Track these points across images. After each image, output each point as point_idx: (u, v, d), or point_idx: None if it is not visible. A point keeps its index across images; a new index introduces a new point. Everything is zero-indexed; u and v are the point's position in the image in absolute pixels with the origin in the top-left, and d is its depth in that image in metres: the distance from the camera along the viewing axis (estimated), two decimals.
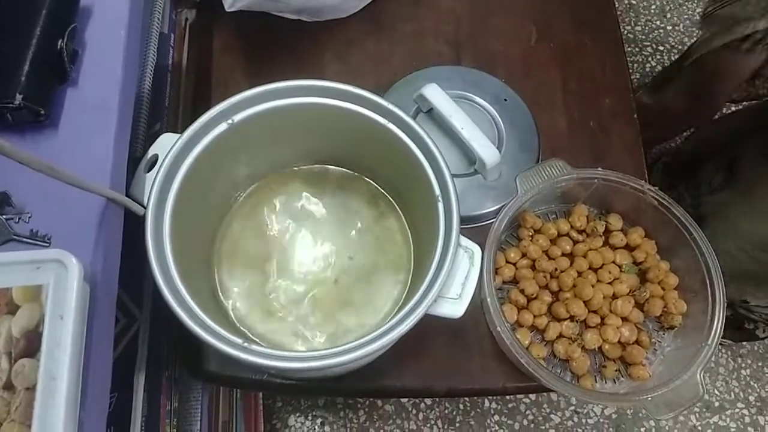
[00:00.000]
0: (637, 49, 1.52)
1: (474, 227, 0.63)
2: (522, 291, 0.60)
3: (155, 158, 0.47)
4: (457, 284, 0.45)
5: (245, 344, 0.40)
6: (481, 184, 0.63)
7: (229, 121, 0.48)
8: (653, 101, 1.13)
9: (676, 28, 1.54)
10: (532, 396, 1.14)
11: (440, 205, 0.46)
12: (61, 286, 0.33)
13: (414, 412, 1.14)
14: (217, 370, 0.57)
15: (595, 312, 0.60)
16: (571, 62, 0.74)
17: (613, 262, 0.62)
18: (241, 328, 0.52)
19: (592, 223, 0.64)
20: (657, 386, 0.53)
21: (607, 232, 0.64)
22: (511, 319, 0.59)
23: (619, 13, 1.53)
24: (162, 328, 0.56)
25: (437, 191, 0.46)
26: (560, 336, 0.59)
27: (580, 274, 0.61)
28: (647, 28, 1.54)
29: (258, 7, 0.63)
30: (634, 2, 1.57)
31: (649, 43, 1.53)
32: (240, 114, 0.48)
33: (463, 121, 0.61)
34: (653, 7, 1.57)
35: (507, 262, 0.62)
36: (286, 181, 0.58)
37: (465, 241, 0.46)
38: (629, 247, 0.64)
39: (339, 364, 0.40)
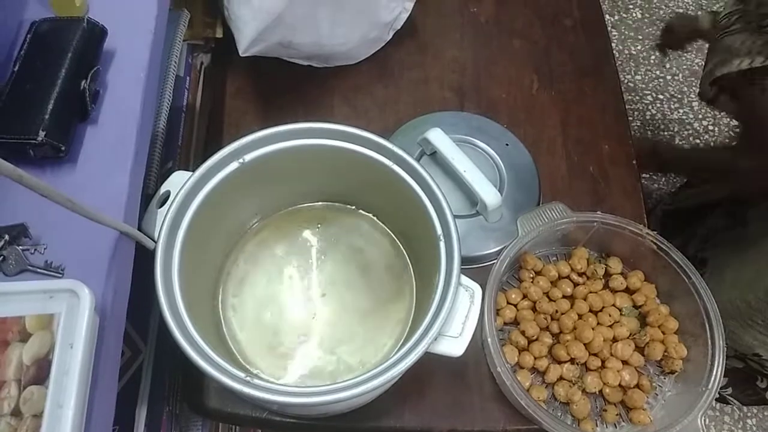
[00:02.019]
0: (637, 98, 1.56)
1: (475, 268, 0.64)
2: (523, 332, 0.60)
3: (167, 194, 0.48)
4: (458, 323, 0.45)
5: (248, 378, 0.41)
6: (483, 226, 0.65)
7: (240, 161, 0.50)
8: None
9: (676, 77, 1.58)
10: None
11: (442, 245, 0.47)
12: (73, 316, 0.34)
13: None
14: (218, 406, 0.57)
15: (595, 355, 0.60)
16: (571, 109, 0.76)
17: (614, 305, 0.63)
18: (244, 363, 0.52)
19: (593, 266, 0.64)
20: (658, 431, 0.53)
21: (607, 275, 0.65)
22: (511, 361, 0.59)
23: (619, 63, 1.58)
24: (165, 363, 0.57)
25: (439, 231, 0.48)
26: (561, 378, 0.59)
27: (580, 316, 0.62)
28: (647, 77, 1.58)
29: (271, 53, 0.66)
30: (634, 53, 1.62)
31: (649, 92, 1.56)
32: (250, 154, 0.50)
33: (465, 164, 0.63)
34: (653, 57, 1.61)
35: (508, 303, 0.63)
36: (293, 219, 0.59)
37: (466, 280, 0.47)
38: (629, 291, 0.64)
39: (340, 400, 0.40)
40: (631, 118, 1.51)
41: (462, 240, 0.47)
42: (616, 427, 0.59)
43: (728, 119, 1.53)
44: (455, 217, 0.47)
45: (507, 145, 0.70)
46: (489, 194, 0.62)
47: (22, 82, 0.42)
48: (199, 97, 0.73)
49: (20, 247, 0.39)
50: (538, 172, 0.69)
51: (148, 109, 0.47)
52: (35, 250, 0.39)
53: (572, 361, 0.59)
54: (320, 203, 0.60)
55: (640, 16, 1.69)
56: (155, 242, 0.44)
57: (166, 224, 0.45)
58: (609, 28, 1.73)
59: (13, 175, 0.29)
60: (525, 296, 0.63)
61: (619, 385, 0.59)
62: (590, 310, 0.62)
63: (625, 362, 0.60)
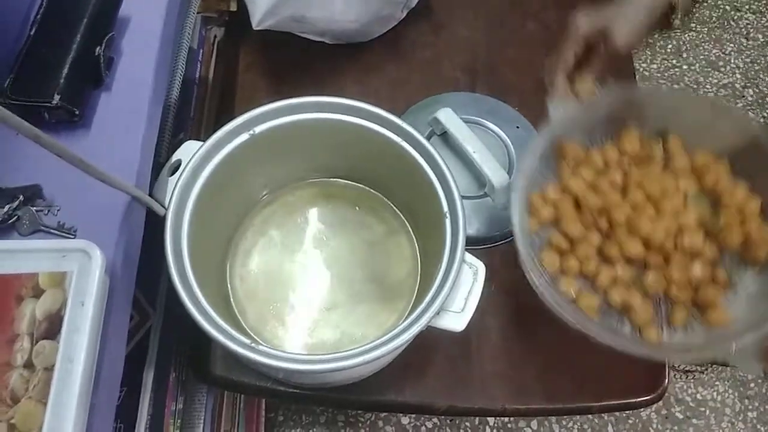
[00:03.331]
0: (653, 87, 1.54)
1: (481, 249, 0.64)
2: (564, 234, 0.51)
3: (178, 163, 0.49)
4: (461, 298, 0.46)
5: (252, 344, 0.42)
6: (491, 207, 0.65)
7: (251, 132, 0.50)
8: None
9: (692, 67, 1.56)
10: (534, 425, 1.13)
11: (447, 222, 0.47)
12: (84, 275, 0.35)
13: None
14: (223, 373, 0.59)
15: (657, 251, 0.50)
16: None
17: (677, 190, 0.52)
18: (249, 332, 0.53)
19: (648, 146, 0.53)
20: (744, 330, 0.44)
21: (667, 157, 0.54)
22: (551, 267, 0.50)
23: (635, 51, 1.56)
24: (172, 330, 0.58)
25: (445, 208, 0.48)
26: (615, 282, 0.50)
27: (635, 208, 0.51)
28: (663, 66, 1.56)
29: (283, 27, 0.66)
30: (650, 41, 1.60)
31: (664, 81, 1.55)
32: (261, 126, 0.50)
33: (475, 145, 0.63)
34: (669, 46, 1.59)
35: (544, 202, 0.52)
36: (301, 193, 0.60)
37: (470, 258, 0.48)
38: (696, 172, 0.53)
39: (343, 368, 0.41)
40: None
41: (468, 220, 0.47)
42: (686, 331, 0.49)
43: (744, 111, 1.51)
44: (462, 197, 0.48)
45: (518, 127, 0.70)
46: (497, 175, 0.62)
47: (38, 46, 0.43)
48: (211, 71, 0.74)
49: (34, 208, 0.40)
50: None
51: (161, 77, 0.48)
52: (48, 211, 0.40)
53: (628, 260, 0.50)
54: (328, 179, 0.60)
55: None
56: (165, 209, 0.45)
57: (176, 192, 0.46)
58: None
59: (30, 134, 0.29)
60: (565, 192, 0.53)
61: (689, 283, 0.49)
62: (648, 199, 0.52)
63: (695, 255, 0.50)
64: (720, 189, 0.52)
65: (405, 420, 1.13)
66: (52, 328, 0.34)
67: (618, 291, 0.49)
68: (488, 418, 1.12)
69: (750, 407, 1.22)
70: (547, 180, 0.54)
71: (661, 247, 0.49)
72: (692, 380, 1.22)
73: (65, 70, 0.41)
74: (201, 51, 0.69)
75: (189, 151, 0.49)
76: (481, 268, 0.48)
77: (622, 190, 0.52)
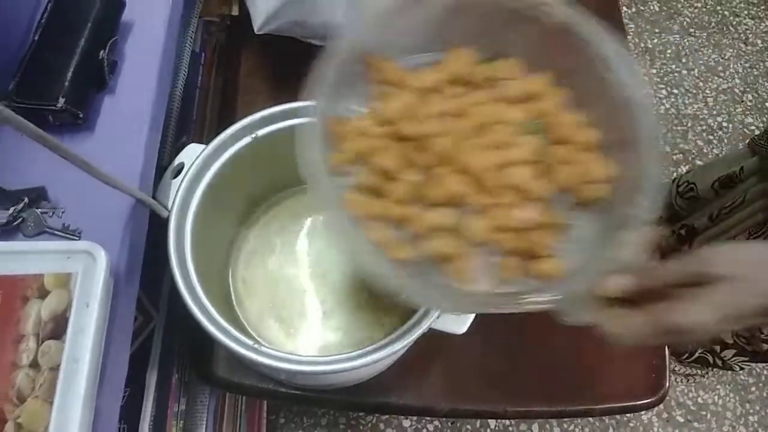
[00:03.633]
0: (651, 91, 1.55)
1: None
2: (376, 170, 0.42)
3: (181, 166, 0.49)
4: None
5: (255, 345, 0.42)
6: None
7: (253, 136, 0.50)
8: None
9: (691, 72, 1.57)
10: (535, 428, 1.13)
11: None
12: (89, 276, 0.36)
13: None
14: (225, 375, 0.59)
15: (482, 190, 0.42)
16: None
17: (508, 119, 0.44)
18: (252, 334, 0.53)
19: (478, 68, 0.45)
20: (572, 277, 0.38)
21: (501, 81, 0.47)
22: (359, 212, 0.41)
23: (635, 55, 1.57)
24: (175, 331, 0.58)
25: None
26: (434, 228, 0.42)
27: (459, 139, 0.43)
28: (662, 71, 1.57)
29: (285, 31, 0.67)
30: (650, 46, 1.61)
31: (663, 86, 1.55)
32: (263, 129, 0.51)
33: None
34: (669, 51, 1.60)
35: (353, 131, 0.43)
36: (303, 197, 0.60)
37: None
38: (531, 99, 0.46)
39: (345, 370, 0.41)
40: None
41: None
42: (518, 284, 0.42)
43: (743, 116, 1.52)
44: None
45: None
46: None
47: (43, 50, 0.43)
48: (213, 75, 0.74)
49: (39, 210, 0.40)
50: None
51: (164, 81, 0.48)
52: (53, 213, 0.41)
53: (450, 202, 0.42)
54: None
55: (657, 8, 1.67)
56: (169, 211, 0.45)
57: (179, 194, 0.46)
58: (625, 21, 1.72)
59: (35, 135, 0.30)
60: (377, 119, 0.43)
61: (517, 226, 0.42)
62: (475, 129, 0.44)
63: (524, 195, 0.43)
64: (555, 120, 0.44)
65: (406, 423, 1.13)
66: (57, 328, 0.34)
67: (437, 239, 0.41)
68: (489, 421, 1.12)
69: (751, 411, 1.22)
70: (357, 106, 0.44)
71: (488, 184, 0.42)
72: (693, 384, 1.22)
73: (69, 74, 0.42)
74: (203, 55, 0.70)
75: (192, 154, 0.49)
76: None
77: (446, 119, 0.44)
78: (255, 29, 0.62)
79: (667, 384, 0.63)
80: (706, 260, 0.36)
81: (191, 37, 0.63)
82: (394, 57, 0.44)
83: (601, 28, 0.43)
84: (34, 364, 0.33)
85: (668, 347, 0.64)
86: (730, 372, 1.22)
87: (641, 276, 0.38)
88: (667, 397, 1.19)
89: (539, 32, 0.43)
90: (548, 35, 0.43)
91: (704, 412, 1.20)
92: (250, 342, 0.42)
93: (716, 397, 1.22)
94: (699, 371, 1.21)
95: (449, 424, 1.13)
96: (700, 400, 1.21)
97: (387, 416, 1.12)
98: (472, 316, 0.47)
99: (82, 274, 0.36)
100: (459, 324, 0.46)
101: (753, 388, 1.23)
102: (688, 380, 1.22)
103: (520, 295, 0.39)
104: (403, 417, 1.13)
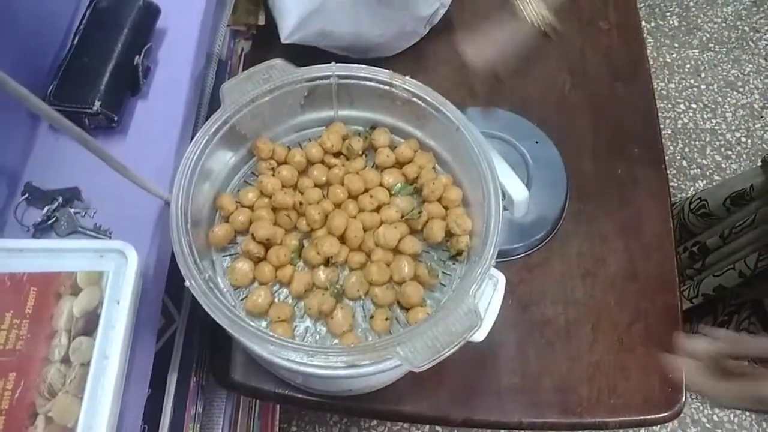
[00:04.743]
0: (670, 105, 1.54)
1: (500, 262, 0.65)
2: (253, 236, 0.46)
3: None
4: (481, 309, 0.46)
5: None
6: (509, 220, 0.66)
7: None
8: None
9: (710, 87, 1.57)
10: None
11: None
12: (120, 275, 0.37)
13: None
14: (243, 379, 0.59)
15: (359, 250, 0.48)
16: (602, 111, 0.76)
17: (381, 184, 0.51)
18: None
19: (347, 141, 0.52)
20: (414, 328, 0.40)
21: (374, 150, 0.54)
22: (244, 278, 0.46)
23: (653, 69, 1.57)
24: (195, 335, 0.59)
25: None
26: (314, 287, 0.47)
27: (335, 205, 0.50)
28: (681, 86, 1.57)
29: (310, 41, 0.68)
30: (669, 60, 1.60)
31: (682, 101, 1.55)
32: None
33: (493, 158, 0.64)
34: (688, 66, 1.60)
35: (241, 206, 0.49)
36: None
37: (491, 269, 0.48)
38: (402, 164, 0.53)
39: (361, 375, 0.41)
40: (662, 126, 1.50)
41: None
42: (392, 333, 0.46)
43: (762, 132, 1.51)
44: None
45: (537, 142, 0.71)
46: (516, 189, 0.63)
47: (81, 54, 0.45)
48: None
49: (72, 210, 0.41)
50: (566, 170, 0.70)
51: (195, 87, 0.49)
52: (86, 213, 0.42)
53: (328, 262, 0.47)
54: None
55: (677, 23, 1.67)
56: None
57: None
58: (645, 35, 1.72)
59: (79, 137, 0.31)
60: (263, 194, 0.50)
61: (393, 280, 0.47)
62: (351, 196, 0.50)
63: (398, 252, 0.48)
64: (422, 181, 0.50)
65: (419, 427, 1.13)
66: (88, 325, 0.35)
67: (315, 297, 0.46)
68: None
69: None
70: (249, 181, 0.51)
71: (362, 245, 0.47)
72: (708, 401, 1.20)
73: (105, 78, 0.43)
74: (229, 63, 0.71)
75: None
76: (501, 279, 0.48)
77: (325, 187, 0.51)
78: (282, 39, 0.63)
79: (684, 398, 0.62)
80: None
81: (219, 45, 0.65)
82: (278, 136, 0.52)
83: (443, 98, 0.50)
84: (66, 360, 0.34)
85: None
86: None
87: (730, 344, 0.43)
88: (682, 414, 1.18)
89: (401, 103, 0.51)
90: (406, 105, 0.51)
91: (720, 430, 1.18)
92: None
93: (732, 415, 1.20)
94: None
95: None
96: (715, 417, 1.19)
97: (399, 425, 1.12)
98: (492, 323, 0.47)
99: (114, 272, 0.37)
100: (478, 332, 0.46)
101: None
102: (703, 397, 1.21)
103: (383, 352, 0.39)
104: (415, 425, 1.12)
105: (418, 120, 0.52)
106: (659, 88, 1.57)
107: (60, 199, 0.41)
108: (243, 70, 0.78)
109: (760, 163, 0.89)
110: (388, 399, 0.59)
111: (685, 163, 1.45)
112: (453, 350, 0.38)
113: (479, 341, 0.47)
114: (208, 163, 0.46)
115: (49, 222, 0.41)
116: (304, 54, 0.72)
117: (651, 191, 0.71)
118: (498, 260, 0.64)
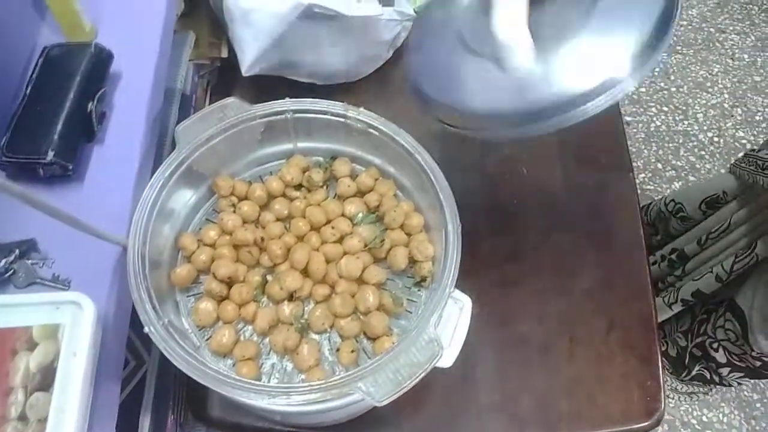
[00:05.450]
0: (642, 110, 1.56)
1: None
2: (215, 275, 0.46)
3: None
4: (447, 334, 0.46)
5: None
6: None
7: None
8: None
9: (681, 89, 1.59)
10: None
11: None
12: (77, 326, 0.36)
13: None
14: (222, 415, 0.59)
15: (322, 282, 0.48)
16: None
17: (343, 215, 0.51)
18: None
19: (308, 173, 0.52)
20: (376, 361, 0.39)
21: (335, 180, 0.54)
22: (208, 318, 0.46)
23: None
24: (170, 372, 0.58)
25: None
26: (279, 323, 0.47)
27: (297, 239, 0.49)
28: (651, 89, 1.59)
29: (273, 71, 0.69)
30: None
31: (653, 104, 1.57)
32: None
33: None
34: (657, 69, 1.62)
35: (203, 244, 0.49)
36: None
37: (456, 293, 0.48)
38: (363, 192, 0.53)
39: (330, 409, 0.41)
40: (635, 130, 1.52)
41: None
42: (359, 365, 0.45)
43: (733, 131, 1.53)
44: None
45: None
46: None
47: (33, 104, 0.45)
48: None
49: (29, 261, 0.41)
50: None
51: (152, 128, 0.49)
52: (43, 263, 0.42)
53: (291, 297, 0.47)
54: None
55: None
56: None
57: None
58: None
59: (20, 196, 0.31)
60: (225, 231, 0.49)
61: (358, 311, 0.47)
62: (313, 228, 0.50)
63: (363, 282, 0.48)
64: (383, 209, 0.51)
65: None
66: (45, 379, 0.35)
67: (281, 334, 0.45)
68: None
69: (757, 428, 1.20)
70: (211, 219, 0.52)
71: (325, 278, 0.47)
72: (697, 402, 1.21)
73: (58, 127, 0.43)
74: (194, 96, 0.71)
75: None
76: (467, 302, 0.48)
77: (287, 221, 0.51)
78: (242, 72, 0.63)
79: (662, 406, 0.62)
80: None
81: (181, 81, 0.65)
82: (239, 171, 0.53)
83: (396, 127, 0.50)
84: (23, 417, 0.34)
85: (664, 366, 0.65)
86: (734, 389, 1.22)
87: None
88: (672, 417, 1.19)
89: (358, 134, 0.51)
90: (362, 135, 0.51)
91: (709, 431, 1.19)
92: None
93: (721, 415, 1.21)
94: (701, 389, 1.20)
95: None
96: (704, 418, 1.20)
97: None
98: (459, 348, 0.47)
99: (70, 324, 0.37)
100: (445, 358, 0.46)
101: (758, 404, 1.22)
102: (691, 398, 1.21)
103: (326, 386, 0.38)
104: None
105: (377, 149, 0.52)
106: (630, 93, 1.59)
107: (17, 251, 0.41)
108: (210, 102, 0.78)
109: (728, 168, 0.91)
110: (368, 426, 0.59)
111: (660, 166, 1.47)
112: (416, 381, 0.38)
113: (447, 367, 0.47)
114: (168, 203, 0.46)
115: (7, 275, 0.41)
116: (268, 83, 0.73)
117: (621, 200, 0.72)
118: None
